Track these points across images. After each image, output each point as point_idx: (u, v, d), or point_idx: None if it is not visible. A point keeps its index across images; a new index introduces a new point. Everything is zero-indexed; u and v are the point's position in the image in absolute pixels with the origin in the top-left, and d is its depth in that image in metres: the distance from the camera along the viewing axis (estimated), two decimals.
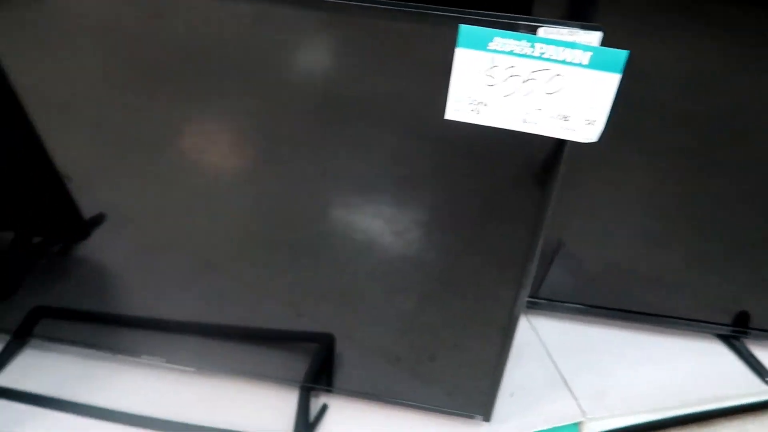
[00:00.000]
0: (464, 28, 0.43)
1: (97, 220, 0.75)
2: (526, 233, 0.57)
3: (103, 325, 0.78)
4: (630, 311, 0.88)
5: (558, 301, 0.89)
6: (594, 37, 0.43)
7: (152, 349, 0.76)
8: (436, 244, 0.63)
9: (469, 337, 0.69)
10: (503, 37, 0.43)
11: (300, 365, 0.75)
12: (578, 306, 0.88)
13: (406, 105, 0.54)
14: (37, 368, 0.79)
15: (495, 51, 0.44)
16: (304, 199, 0.62)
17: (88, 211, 0.70)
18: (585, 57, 0.43)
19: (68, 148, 0.64)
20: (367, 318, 0.70)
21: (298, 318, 0.73)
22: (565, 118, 0.46)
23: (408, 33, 0.49)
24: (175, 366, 0.76)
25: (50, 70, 0.59)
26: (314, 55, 0.53)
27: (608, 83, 0.44)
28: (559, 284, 0.88)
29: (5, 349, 0.80)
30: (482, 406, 0.73)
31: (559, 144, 0.50)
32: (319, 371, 0.75)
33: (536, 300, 0.89)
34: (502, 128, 0.48)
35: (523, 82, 0.45)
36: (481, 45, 0.43)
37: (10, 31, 0.57)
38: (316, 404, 0.77)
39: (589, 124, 0.46)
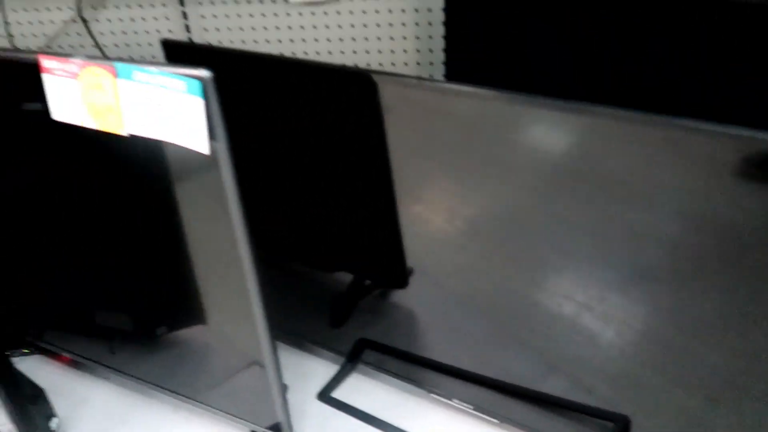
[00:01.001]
0: None
1: (409, 271, 0.90)
2: None
3: (415, 364, 0.94)
4: None
5: None
6: None
7: (463, 395, 0.89)
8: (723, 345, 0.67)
9: None
10: None
11: None
12: None
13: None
14: (363, 390, 0.96)
15: None
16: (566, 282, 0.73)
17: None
18: None
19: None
20: (649, 407, 0.75)
21: (588, 394, 0.80)
22: None
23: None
24: (482, 415, 0.88)
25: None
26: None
27: None
28: None
29: (341, 369, 0.99)
30: None
31: None
32: None
33: None
34: None
35: None
36: None
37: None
38: None
39: None
